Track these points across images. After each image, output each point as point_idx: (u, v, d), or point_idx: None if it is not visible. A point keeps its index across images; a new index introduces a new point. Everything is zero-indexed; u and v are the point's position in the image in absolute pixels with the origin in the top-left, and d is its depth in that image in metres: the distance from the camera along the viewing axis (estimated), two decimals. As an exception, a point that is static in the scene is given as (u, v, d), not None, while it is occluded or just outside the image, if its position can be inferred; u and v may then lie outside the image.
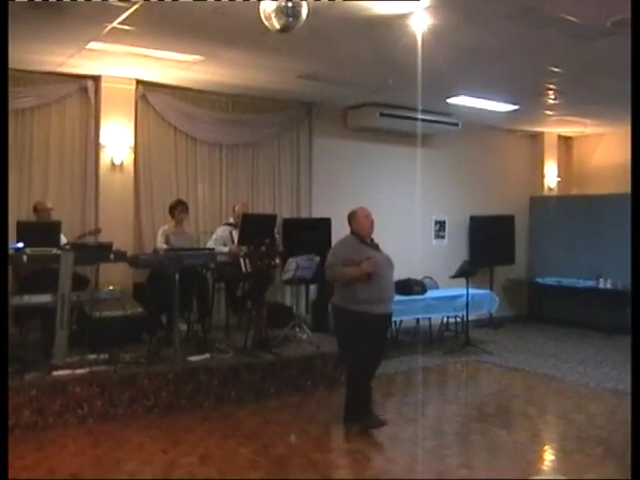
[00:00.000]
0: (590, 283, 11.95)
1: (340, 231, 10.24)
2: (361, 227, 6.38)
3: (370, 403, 6.39)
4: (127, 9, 6.06)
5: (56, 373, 6.39)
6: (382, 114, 10.55)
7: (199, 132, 9.68)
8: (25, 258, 6.53)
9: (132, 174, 9.06)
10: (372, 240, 6.48)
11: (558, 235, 12.99)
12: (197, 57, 7.79)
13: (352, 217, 6.46)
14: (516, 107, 10.67)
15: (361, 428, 6.18)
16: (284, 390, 7.44)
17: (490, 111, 10.89)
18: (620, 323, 11.11)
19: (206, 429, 6.25)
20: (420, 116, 10.13)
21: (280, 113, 10.32)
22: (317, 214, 10.66)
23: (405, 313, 9.77)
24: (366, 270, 6.05)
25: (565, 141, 14.17)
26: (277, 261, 8.63)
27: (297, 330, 8.56)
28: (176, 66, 8.21)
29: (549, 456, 6.06)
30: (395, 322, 10.02)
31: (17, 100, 8.28)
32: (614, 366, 9.11)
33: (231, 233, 8.57)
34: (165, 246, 8.11)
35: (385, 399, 7.49)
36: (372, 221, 6.42)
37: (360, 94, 9.95)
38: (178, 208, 8.54)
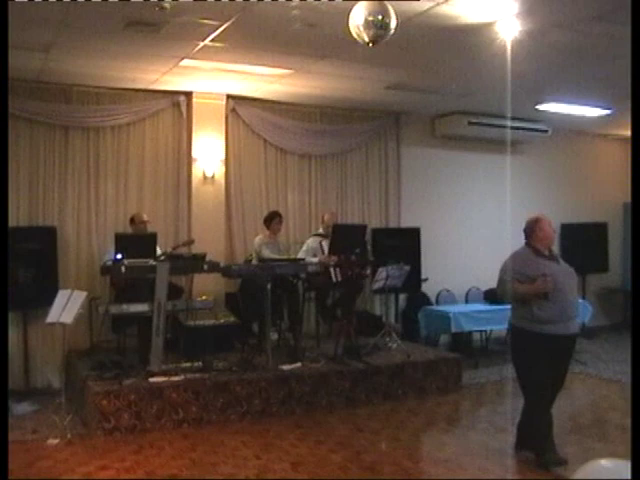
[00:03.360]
0: (690, 291, 11.49)
1: (429, 240, 10.42)
2: (544, 237, 5.66)
3: (550, 436, 5.67)
4: (219, 27, 6.22)
5: (153, 379, 6.60)
6: (470, 122, 10.46)
7: (288, 143, 9.81)
8: (123, 269, 6.77)
9: (223, 186, 9.25)
10: (551, 251, 5.79)
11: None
12: (286, 71, 7.91)
13: (534, 225, 5.69)
14: (608, 111, 10.41)
15: (536, 461, 5.59)
16: (374, 398, 7.47)
17: (581, 116, 10.69)
18: None
19: (298, 435, 6.34)
20: (509, 123, 9.99)
21: (368, 123, 10.35)
22: (406, 223, 10.66)
23: (495, 322, 9.60)
24: (540, 289, 5.43)
25: (661, 145, 13.71)
26: (367, 271, 8.67)
27: (387, 339, 8.56)
28: (265, 80, 8.35)
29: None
30: (485, 331, 9.95)
31: (114, 117, 8.62)
32: None
33: (321, 244, 8.66)
34: (267, 254, 8.28)
35: (476, 408, 7.47)
36: (554, 230, 5.80)
37: (448, 102, 9.89)
38: (276, 219, 8.65)
